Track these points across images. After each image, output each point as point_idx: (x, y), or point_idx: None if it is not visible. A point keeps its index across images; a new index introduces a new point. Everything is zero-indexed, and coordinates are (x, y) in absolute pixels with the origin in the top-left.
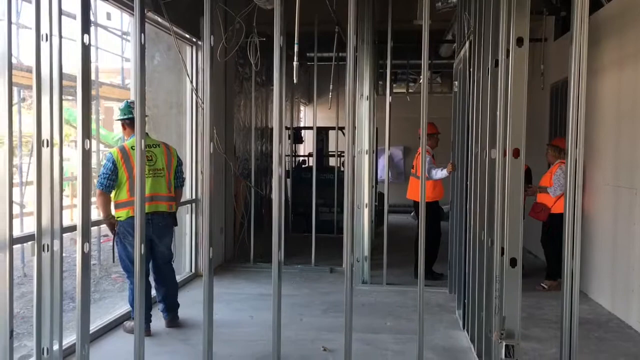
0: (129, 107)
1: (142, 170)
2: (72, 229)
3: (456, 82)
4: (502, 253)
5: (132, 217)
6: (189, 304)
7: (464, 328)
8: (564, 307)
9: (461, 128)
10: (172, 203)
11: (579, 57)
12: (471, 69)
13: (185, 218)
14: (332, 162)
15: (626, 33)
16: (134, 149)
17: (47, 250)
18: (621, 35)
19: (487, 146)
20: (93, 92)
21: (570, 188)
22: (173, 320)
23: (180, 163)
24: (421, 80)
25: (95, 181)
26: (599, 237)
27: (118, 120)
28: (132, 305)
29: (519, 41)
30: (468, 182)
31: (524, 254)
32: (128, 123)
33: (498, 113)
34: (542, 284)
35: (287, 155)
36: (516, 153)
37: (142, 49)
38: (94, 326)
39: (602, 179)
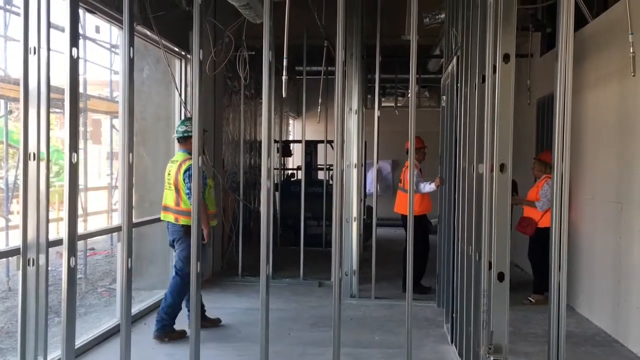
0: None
1: (129, 183)
2: (58, 242)
3: (444, 97)
4: (490, 267)
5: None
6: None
7: (452, 342)
8: (551, 321)
9: (449, 142)
10: (177, 216)
11: (564, 73)
12: (459, 84)
13: None
14: (321, 175)
15: (611, 49)
16: (172, 162)
17: (33, 265)
18: (606, 51)
19: (474, 161)
20: (81, 105)
21: (556, 202)
22: (156, 333)
23: (185, 179)
24: (409, 95)
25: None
26: (586, 250)
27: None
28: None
29: (506, 57)
30: (456, 196)
31: (511, 267)
32: (179, 140)
33: (485, 128)
34: (529, 298)
35: (275, 169)
36: (503, 168)
37: (131, 62)
38: (79, 341)
39: (588, 193)
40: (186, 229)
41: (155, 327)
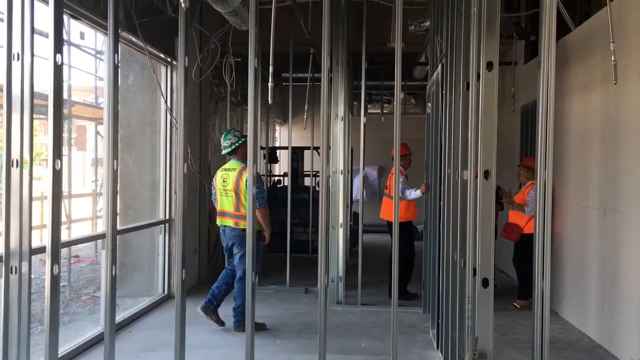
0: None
1: (113, 190)
2: (42, 250)
3: (429, 104)
4: (474, 273)
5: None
6: (161, 326)
7: (437, 348)
8: (534, 327)
9: (434, 149)
10: (238, 220)
11: (547, 81)
12: (443, 92)
13: (159, 238)
14: (307, 181)
15: (593, 57)
16: (226, 170)
17: (15, 272)
18: (589, 59)
19: (459, 167)
20: (65, 111)
21: (540, 209)
22: (234, 325)
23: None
24: (394, 102)
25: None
26: (570, 256)
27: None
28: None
29: (489, 65)
30: (441, 203)
31: (496, 273)
32: (229, 153)
33: (469, 135)
34: (514, 304)
35: (262, 175)
36: (487, 175)
37: (115, 69)
38: (62, 350)
39: (572, 199)
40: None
41: (234, 322)
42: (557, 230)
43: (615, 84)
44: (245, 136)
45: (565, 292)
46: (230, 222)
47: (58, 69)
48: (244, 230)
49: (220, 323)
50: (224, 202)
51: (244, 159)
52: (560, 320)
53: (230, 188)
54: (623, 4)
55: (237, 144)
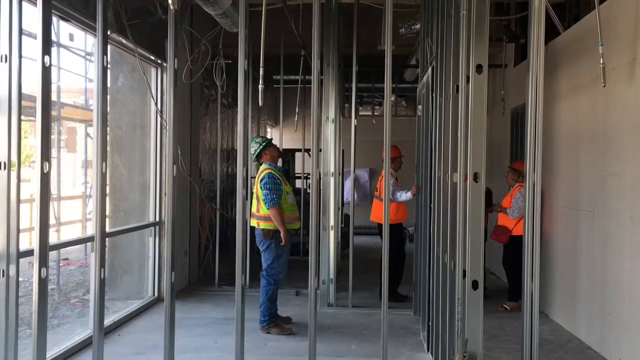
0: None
1: (102, 193)
2: (30, 253)
3: (420, 107)
4: (464, 275)
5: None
6: (151, 329)
7: (428, 350)
8: (524, 328)
9: (425, 151)
10: (258, 221)
11: (536, 84)
12: (434, 94)
13: (149, 241)
14: (299, 183)
15: (582, 60)
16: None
17: (3, 276)
18: (578, 62)
19: (449, 170)
20: (55, 113)
21: (528, 212)
22: (259, 326)
23: (261, 187)
24: (385, 104)
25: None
26: (560, 258)
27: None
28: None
29: (479, 68)
30: (431, 205)
31: (486, 275)
32: (257, 159)
33: (459, 138)
34: (504, 305)
35: (252, 177)
36: (476, 177)
37: (105, 71)
38: (51, 353)
39: (562, 201)
40: (265, 232)
41: (259, 323)
42: (546, 233)
43: (604, 86)
44: (267, 140)
45: (555, 294)
46: (254, 223)
47: (46, 71)
48: (262, 229)
49: (288, 320)
50: (252, 203)
51: (270, 162)
52: (550, 322)
53: (255, 190)
54: (612, 7)
55: (259, 150)
